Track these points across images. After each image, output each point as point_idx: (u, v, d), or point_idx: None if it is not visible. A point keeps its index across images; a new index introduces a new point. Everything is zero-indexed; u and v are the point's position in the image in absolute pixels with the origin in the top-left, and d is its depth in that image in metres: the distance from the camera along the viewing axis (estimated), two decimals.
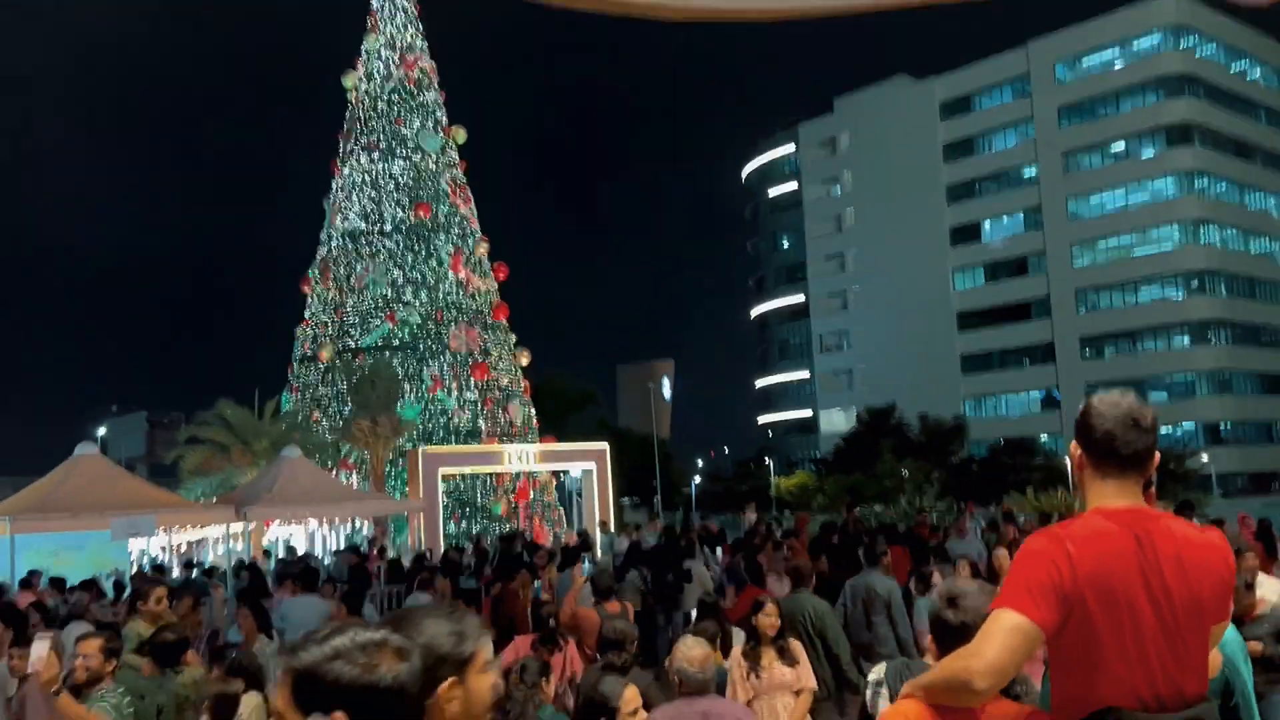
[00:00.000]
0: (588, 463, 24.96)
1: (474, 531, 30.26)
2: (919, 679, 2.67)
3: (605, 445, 25.43)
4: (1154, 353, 65.50)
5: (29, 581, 14.33)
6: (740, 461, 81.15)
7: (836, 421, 76.27)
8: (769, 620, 6.53)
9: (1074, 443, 2.64)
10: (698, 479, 73.40)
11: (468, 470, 27.43)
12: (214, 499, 23.04)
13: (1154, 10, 65.20)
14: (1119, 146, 67.66)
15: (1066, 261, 68.38)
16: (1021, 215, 71.68)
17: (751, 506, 21.85)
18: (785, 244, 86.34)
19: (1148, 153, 66.59)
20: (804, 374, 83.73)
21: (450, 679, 1.95)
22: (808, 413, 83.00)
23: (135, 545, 19.27)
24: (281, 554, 23.86)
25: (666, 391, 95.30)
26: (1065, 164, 69.05)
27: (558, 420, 46.94)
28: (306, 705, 1.57)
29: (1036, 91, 70.29)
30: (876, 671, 4.15)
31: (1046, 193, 69.36)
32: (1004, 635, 2.37)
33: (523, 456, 24.30)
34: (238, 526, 19.82)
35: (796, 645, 6.71)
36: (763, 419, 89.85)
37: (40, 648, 4.79)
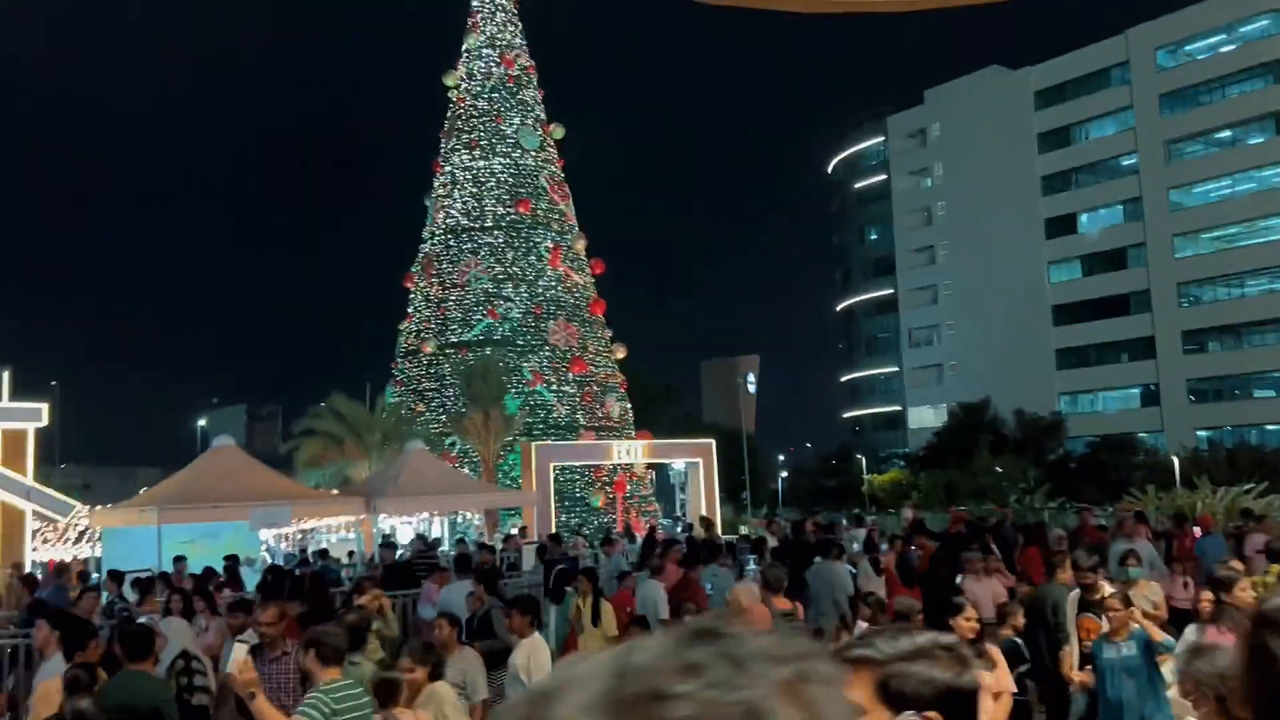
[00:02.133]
0: (694, 458, 25.02)
1: (573, 523, 30.61)
2: None
3: (711, 441, 25.49)
4: (1261, 348, 63.20)
5: (179, 568, 14.87)
6: (823, 457, 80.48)
7: (925, 417, 75.20)
8: (968, 625, 6.50)
9: None
10: (784, 474, 73.05)
11: (578, 464, 27.67)
12: (334, 490, 23.61)
13: None
14: (1224, 134, 65.40)
15: (1168, 253, 66.34)
16: (1120, 206, 69.70)
17: (910, 504, 21.70)
18: (873, 237, 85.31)
19: (1255, 140, 64.24)
20: (891, 369, 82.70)
21: None
22: (895, 408, 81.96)
23: (265, 533, 19.85)
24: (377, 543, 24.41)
25: (752, 387, 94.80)
26: (1167, 153, 66.96)
27: (642, 415, 47.26)
28: (894, 703, 1.58)
29: (1136, 79, 68.27)
30: None
31: (1147, 182, 67.38)
32: None
33: (630, 451, 24.44)
34: (347, 518, 20.35)
35: (994, 650, 6.66)
36: (847, 414, 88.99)
37: (239, 650, 4.94)
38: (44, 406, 17.25)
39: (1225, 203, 64.87)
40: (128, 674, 6.22)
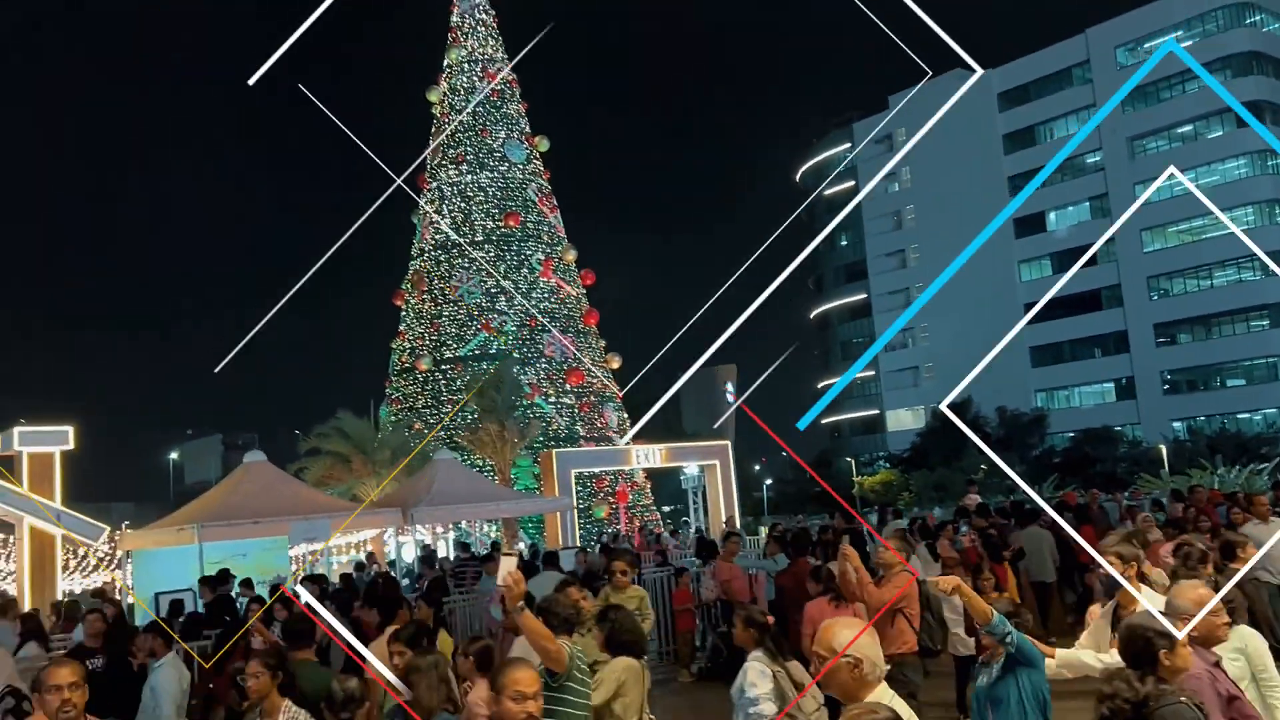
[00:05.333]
0: (710, 460, 24.99)
1: (578, 535, 30.43)
2: None
3: (727, 442, 25.42)
4: (1231, 337, 64.42)
5: (224, 580, 14.54)
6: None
7: (904, 419, 75.86)
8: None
9: None
10: (769, 482, 73.17)
11: (598, 469, 27.55)
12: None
13: None
14: (1186, 129, 66.71)
15: (1136, 248, 67.46)
16: (1087, 203, 70.83)
17: (974, 489, 21.80)
18: (843, 243, 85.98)
19: (1215, 133, 65.59)
20: (868, 373, 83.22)
21: None
22: (874, 412, 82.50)
23: (294, 551, 19.52)
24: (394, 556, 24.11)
25: (730, 396, 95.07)
26: (1130, 149, 68.19)
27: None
28: None
29: (1098, 77, 69.54)
30: None
31: (1112, 179, 68.50)
32: None
33: (649, 455, 24.36)
34: (365, 533, 20.14)
35: None
36: (826, 420, 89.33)
37: (508, 563, 4.84)
38: (70, 429, 16.80)
39: (1190, 196, 65.86)
40: (297, 663, 6.12)
